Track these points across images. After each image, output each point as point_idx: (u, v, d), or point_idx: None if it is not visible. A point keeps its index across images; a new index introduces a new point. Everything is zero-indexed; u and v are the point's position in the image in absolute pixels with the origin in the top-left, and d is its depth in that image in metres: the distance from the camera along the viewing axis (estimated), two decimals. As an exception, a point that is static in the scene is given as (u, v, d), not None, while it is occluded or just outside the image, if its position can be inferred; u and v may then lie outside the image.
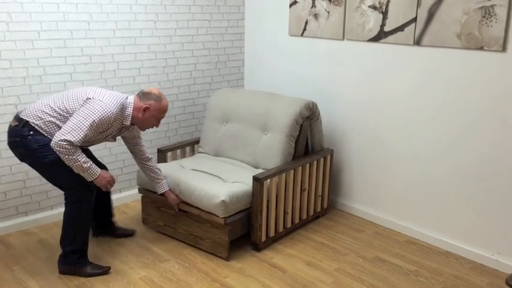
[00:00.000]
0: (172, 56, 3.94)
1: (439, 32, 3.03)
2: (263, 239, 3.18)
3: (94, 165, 2.67)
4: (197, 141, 3.84)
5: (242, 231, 3.16)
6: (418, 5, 3.10)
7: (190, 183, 3.06)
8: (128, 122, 2.78)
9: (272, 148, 3.36)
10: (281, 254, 3.16)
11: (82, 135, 2.56)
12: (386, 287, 2.83)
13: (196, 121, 4.24)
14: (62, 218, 3.53)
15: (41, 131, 2.66)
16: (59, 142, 2.52)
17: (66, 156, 2.55)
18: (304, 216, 3.52)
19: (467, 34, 2.91)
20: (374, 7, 3.34)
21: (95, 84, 3.53)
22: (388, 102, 3.42)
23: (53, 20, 3.27)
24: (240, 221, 3.08)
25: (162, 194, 3.14)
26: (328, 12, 3.63)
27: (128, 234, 3.35)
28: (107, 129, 2.71)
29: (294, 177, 3.32)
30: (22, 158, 2.76)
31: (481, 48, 2.87)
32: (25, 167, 3.22)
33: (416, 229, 3.40)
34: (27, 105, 3.14)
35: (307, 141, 3.55)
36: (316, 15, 3.73)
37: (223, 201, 2.87)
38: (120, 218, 3.61)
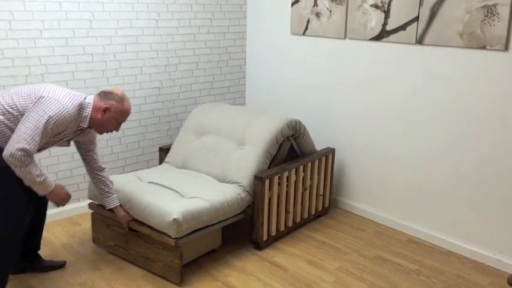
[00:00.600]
0: (174, 54, 3.94)
1: (441, 31, 3.03)
2: (264, 237, 3.18)
3: (48, 179, 2.40)
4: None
5: (198, 252, 2.96)
6: (420, 3, 3.09)
7: (142, 199, 2.80)
8: (85, 124, 2.49)
9: (245, 160, 3.14)
10: (282, 253, 3.17)
11: (37, 141, 2.28)
12: (388, 286, 2.83)
13: (197, 120, 4.23)
14: (62, 216, 3.57)
15: None
16: (15, 152, 2.22)
17: (21, 169, 2.27)
18: (306, 215, 3.53)
19: (469, 33, 2.90)
20: (376, 6, 3.34)
21: (96, 83, 3.53)
22: (389, 101, 3.42)
23: (55, 18, 3.27)
24: (196, 241, 2.87)
25: (111, 210, 2.87)
26: (330, 11, 3.62)
27: (57, 266, 2.93)
28: (62, 131, 2.43)
29: (295, 176, 3.32)
30: None
31: (484, 48, 2.87)
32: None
33: (418, 228, 3.40)
34: None
35: (298, 155, 3.49)
36: (318, 14, 3.72)
37: (175, 219, 2.61)
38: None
